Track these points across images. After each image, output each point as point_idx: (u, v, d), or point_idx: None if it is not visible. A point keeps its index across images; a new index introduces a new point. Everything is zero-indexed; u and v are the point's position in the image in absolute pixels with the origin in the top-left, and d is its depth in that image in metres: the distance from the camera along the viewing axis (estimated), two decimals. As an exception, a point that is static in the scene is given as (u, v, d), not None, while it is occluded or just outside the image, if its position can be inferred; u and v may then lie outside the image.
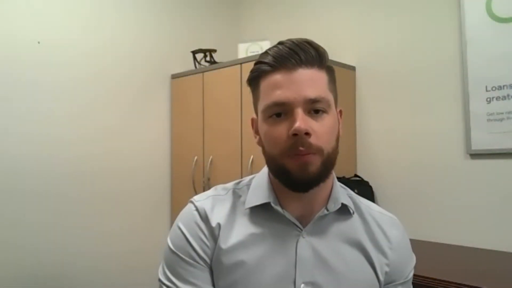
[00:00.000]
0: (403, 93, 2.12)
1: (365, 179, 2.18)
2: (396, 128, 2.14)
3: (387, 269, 0.78)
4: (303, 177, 0.70)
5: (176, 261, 0.76)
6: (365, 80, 2.27)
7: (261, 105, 0.74)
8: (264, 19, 2.82)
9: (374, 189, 2.16)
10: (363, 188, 2.10)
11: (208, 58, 2.46)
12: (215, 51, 2.47)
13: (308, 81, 0.70)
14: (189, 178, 2.37)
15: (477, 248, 1.81)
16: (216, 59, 2.46)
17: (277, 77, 0.71)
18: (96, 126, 2.22)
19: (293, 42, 0.72)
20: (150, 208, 2.45)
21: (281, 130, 0.70)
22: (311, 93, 0.70)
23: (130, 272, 2.30)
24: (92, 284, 2.15)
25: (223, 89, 2.26)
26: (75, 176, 2.13)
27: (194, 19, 2.71)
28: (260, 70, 0.74)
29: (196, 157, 2.37)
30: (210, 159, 2.30)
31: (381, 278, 0.77)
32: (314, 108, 0.71)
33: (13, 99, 1.95)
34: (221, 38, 2.80)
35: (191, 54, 2.50)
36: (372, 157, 2.22)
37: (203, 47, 2.49)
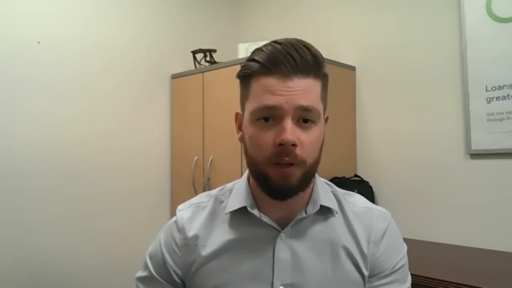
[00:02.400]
0: (403, 93, 2.12)
1: (365, 179, 2.18)
2: (396, 128, 2.14)
3: (370, 262, 0.77)
4: (283, 187, 0.70)
5: (146, 267, 0.83)
6: (365, 80, 2.27)
7: (250, 106, 0.72)
8: (264, 19, 2.82)
9: (374, 189, 2.16)
10: (363, 188, 2.10)
11: (208, 58, 2.46)
12: (215, 51, 2.46)
13: (302, 91, 0.69)
14: (189, 178, 2.37)
15: (477, 248, 1.80)
16: (216, 59, 2.46)
17: (271, 81, 0.69)
18: (96, 125, 2.22)
19: (290, 43, 0.69)
20: (150, 208, 2.44)
21: (267, 136, 0.69)
22: (304, 102, 0.68)
23: (129, 272, 2.28)
24: (92, 284, 2.15)
25: (223, 89, 2.26)
26: (75, 175, 2.13)
27: (194, 19, 2.71)
28: (253, 70, 0.71)
29: (196, 157, 2.37)
30: (210, 159, 2.29)
31: (366, 273, 0.77)
32: (304, 117, 0.70)
33: (13, 99, 1.95)
34: (221, 38, 2.80)
35: (191, 54, 2.49)
36: (372, 157, 2.22)
37: (203, 47, 2.49)
